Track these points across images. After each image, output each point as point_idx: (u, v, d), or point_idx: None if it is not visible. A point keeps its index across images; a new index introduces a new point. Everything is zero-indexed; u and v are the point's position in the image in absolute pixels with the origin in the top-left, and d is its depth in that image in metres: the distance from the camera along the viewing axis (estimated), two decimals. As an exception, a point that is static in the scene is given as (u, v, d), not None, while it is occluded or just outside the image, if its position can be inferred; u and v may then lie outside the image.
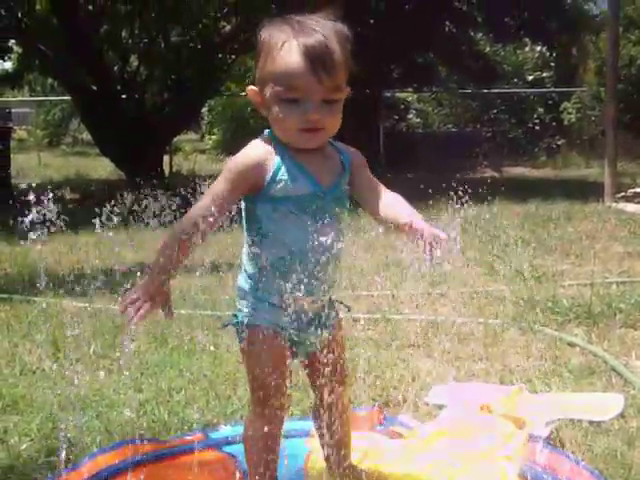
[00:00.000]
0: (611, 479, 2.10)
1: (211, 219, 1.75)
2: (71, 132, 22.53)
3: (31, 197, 1.93)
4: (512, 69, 18.57)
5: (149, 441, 2.27)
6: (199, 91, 11.79)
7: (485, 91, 17.29)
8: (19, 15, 11.40)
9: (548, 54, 18.88)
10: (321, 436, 1.99)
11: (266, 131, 1.87)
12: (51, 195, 1.91)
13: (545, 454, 2.13)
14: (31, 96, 22.02)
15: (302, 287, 1.75)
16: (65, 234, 6.11)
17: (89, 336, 3.40)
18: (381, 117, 15.76)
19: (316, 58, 1.73)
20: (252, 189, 1.81)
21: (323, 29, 1.76)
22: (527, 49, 19.07)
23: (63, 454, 2.11)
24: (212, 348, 3.17)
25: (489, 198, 6.76)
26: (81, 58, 11.14)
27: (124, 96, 11.82)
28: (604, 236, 6.26)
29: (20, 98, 21.85)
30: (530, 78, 18.69)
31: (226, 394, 2.76)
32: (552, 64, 19.04)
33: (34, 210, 1.92)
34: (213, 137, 19.76)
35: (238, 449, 2.08)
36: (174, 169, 13.45)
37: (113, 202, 3.13)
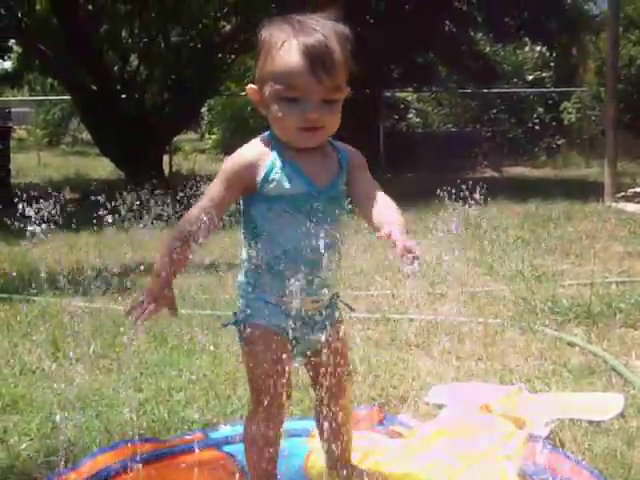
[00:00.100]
0: (611, 479, 2.10)
1: (209, 220, 1.75)
2: (71, 132, 22.54)
3: (31, 197, 1.93)
4: (512, 69, 18.56)
5: (149, 441, 2.27)
6: (199, 91, 11.79)
7: (485, 91, 17.28)
8: (19, 15, 11.40)
9: (548, 54, 18.88)
10: (322, 435, 2.00)
11: (267, 132, 1.88)
12: (51, 195, 1.92)
13: (545, 454, 2.13)
14: (31, 96, 22.01)
15: (298, 286, 1.75)
16: (65, 234, 6.12)
17: (89, 336, 3.40)
18: (381, 117, 15.76)
19: (316, 58, 1.73)
20: (247, 189, 1.82)
21: (323, 29, 1.76)
22: (527, 49, 19.06)
23: (63, 454, 2.11)
24: (212, 348, 3.17)
25: (489, 198, 6.76)
26: (81, 58, 11.15)
27: (124, 96, 11.83)
28: (604, 236, 6.26)
29: (20, 98, 21.84)
30: (530, 78, 18.68)
31: (226, 394, 2.76)
32: (552, 64, 19.04)
33: (34, 210, 1.92)
34: (213, 137, 19.76)
35: (238, 449, 2.08)
36: (174, 169, 13.45)
37: (113, 202, 3.13)
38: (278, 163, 1.81)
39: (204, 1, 11.92)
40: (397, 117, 17.32)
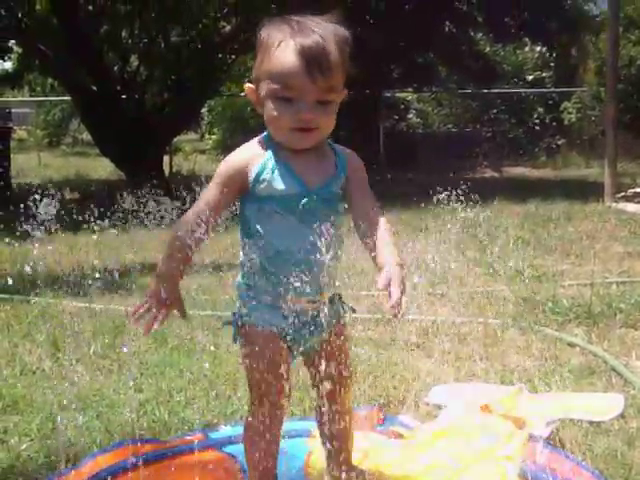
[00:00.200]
0: (611, 479, 2.10)
1: (205, 224, 1.76)
2: (71, 132, 22.53)
3: (31, 197, 1.93)
4: (512, 69, 18.56)
5: (149, 441, 2.27)
6: (199, 91, 11.78)
7: (485, 91, 17.29)
8: (19, 15, 11.39)
9: (548, 54, 18.88)
10: (322, 436, 2.00)
11: (265, 133, 1.88)
12: (51, 195, 1.92)
13: (545, 454, 2.13)
14: (31, 96, 21.99)
15: (292, 287, 1.76)
16: (65, 234, 6.11)
17: (89, 336, 3.41)
18: (381, 117, 15.77)
19: (312, 58, 1.73)
20: (241, 190, 1.83)
21: (322, 30, 1.76)
22: (527, 49, 19.06)
23: (63, 454, 2.12)
24: (212, 348, 3.17)
25: (489, 198, 6.76)
26: (81, 58, 11.13)
27: (124, 96, 11.81)
28: (604, 236, 6.26)
29: (20, 98, 21.84)
30: (530, 78, 18.68)
31: (226, 394, 2.76)
32: (552, 64, 19.04)
33: (34, 210, 1.92)
34: (213, 137, 19.77)
35: (238, 449, 2.08)
36: (174, 169, 13.46)
37: (113, 202, 3.13)
38: (270, 164, 1.81)
39: (204, 1, 11.90)
40: (397, 117, 17.33)
